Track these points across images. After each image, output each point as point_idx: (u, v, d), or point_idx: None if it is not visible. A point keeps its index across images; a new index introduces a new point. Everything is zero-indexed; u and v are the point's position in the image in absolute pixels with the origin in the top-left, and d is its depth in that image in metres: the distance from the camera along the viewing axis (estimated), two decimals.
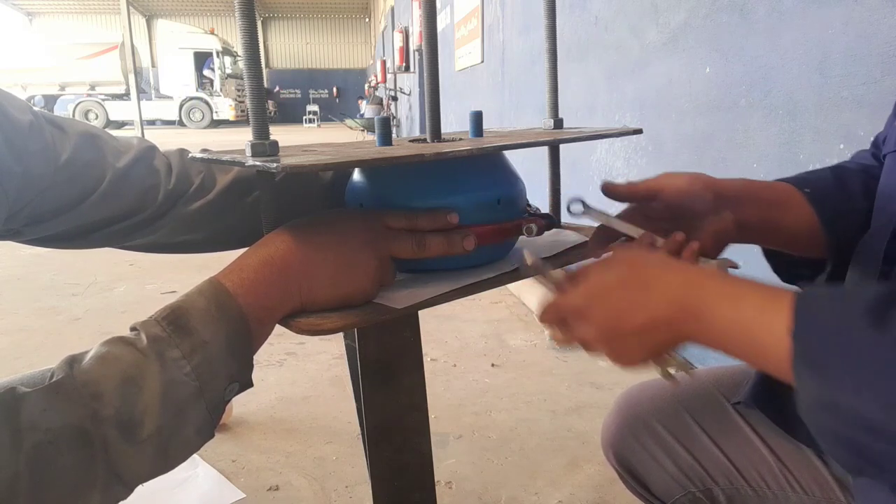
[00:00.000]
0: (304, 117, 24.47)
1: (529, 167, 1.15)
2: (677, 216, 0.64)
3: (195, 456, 1.53)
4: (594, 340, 0.51)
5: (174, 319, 0.47)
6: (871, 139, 0.76)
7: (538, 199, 0.77)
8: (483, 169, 0.66)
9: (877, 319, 0.40)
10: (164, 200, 0.71)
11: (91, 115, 19.13)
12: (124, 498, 0.45)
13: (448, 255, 0.61)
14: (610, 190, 0.66)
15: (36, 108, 0.66)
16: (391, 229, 0.59)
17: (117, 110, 19.57)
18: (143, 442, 0.44)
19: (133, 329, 0.48)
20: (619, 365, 0.52)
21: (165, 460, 0.47)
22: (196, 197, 0.73)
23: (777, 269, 0.74)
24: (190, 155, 0.62)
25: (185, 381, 0.46)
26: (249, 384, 0.52)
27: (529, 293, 2.56)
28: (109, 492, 0.43)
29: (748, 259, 0.76)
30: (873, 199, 0.65)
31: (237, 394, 0.51)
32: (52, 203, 0.64)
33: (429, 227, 0.60)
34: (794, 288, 0.45)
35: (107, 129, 0.75)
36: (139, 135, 0.79)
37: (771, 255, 0.74)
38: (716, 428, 0.75)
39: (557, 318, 0.53)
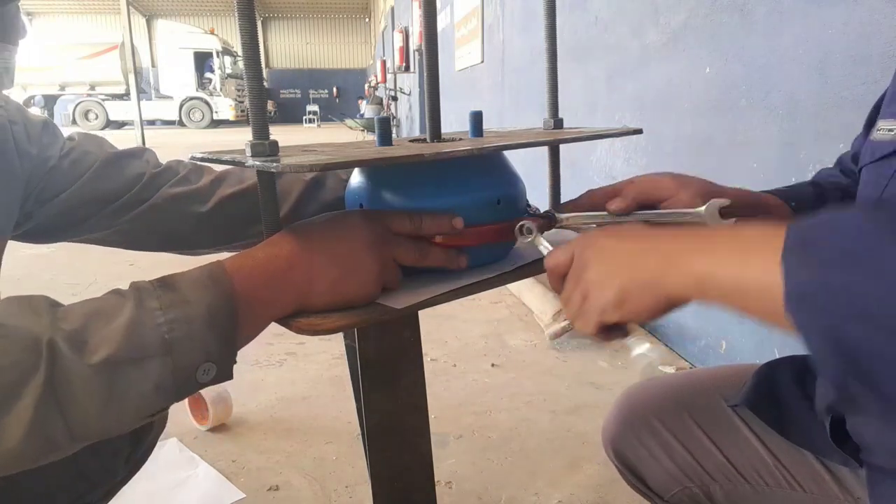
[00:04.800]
0: (304, 117, 24.47)
1: (529, 167, 1.15)
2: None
3: (195, 456, 1.54)
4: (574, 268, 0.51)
5: (165, 279, 0.49)
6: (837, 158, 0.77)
7: (538, 199, 0.77)
8: (483, 169, 0.66)
9: (873, 209, 0.37)
10: (148, 183, 0.80)
11: (91, 115, 19.13)
12: (62, 443, 0.43)
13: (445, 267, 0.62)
14: (613, 210, 0.65)
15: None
16: (395, 234, 0.59)
17: (117, 110, 19.55)
18: (93, 367, 0.43)
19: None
20: (582, 306, 0.50)
21: (116, 408, 0.44)
22: (180, 184, 0.81)
23: None
24: (190, 155, 0.62)
25: (156, 330, 0.46)
26: (229, 375, 0.50)
27: (529, 293, 2.56)
28: (45, 415, 0.42)
29: None
30: None
31: (214, 381, 0.49)
32: (55, 183, 0.76)
33: (433, 231, 0.60)
34: None
35: (106, 129, 0.82)
36: (139, 134, 0.89)
37: None
38: (714, 427, 0.75)
39: (563, 266, 0.54)
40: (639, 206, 0.65)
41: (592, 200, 0.67)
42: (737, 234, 0.43)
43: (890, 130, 0.61)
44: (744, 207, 0.66)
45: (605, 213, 0.66)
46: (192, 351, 0.47)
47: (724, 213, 0.60)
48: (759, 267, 0.39)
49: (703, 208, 0.61)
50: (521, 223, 0.62)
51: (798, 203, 0.69)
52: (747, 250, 0.41)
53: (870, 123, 0.69)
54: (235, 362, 0.51)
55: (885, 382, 0.35)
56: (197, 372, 0.48)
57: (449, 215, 0.60)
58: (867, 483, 0.61)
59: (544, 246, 0.62)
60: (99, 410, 0.44)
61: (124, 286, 0.49)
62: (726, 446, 0.74)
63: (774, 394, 0.71)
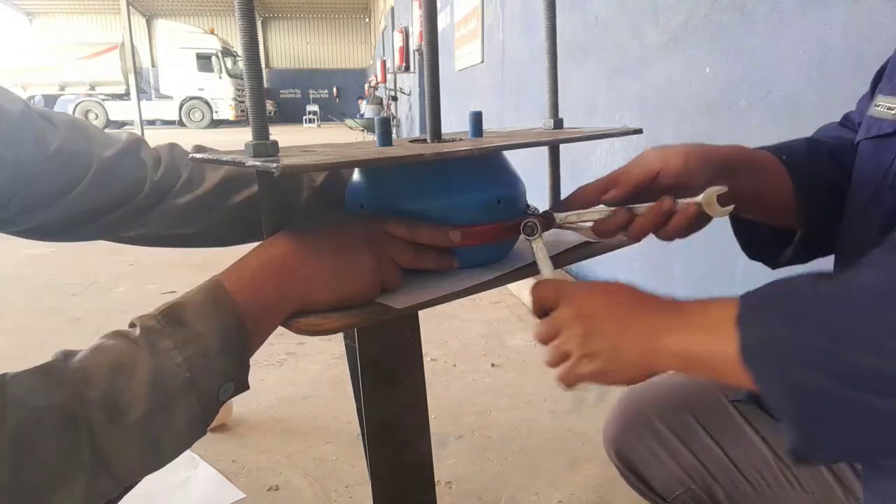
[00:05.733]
0: (304, 117, 24.46)
1: (529, 167, 1.15)
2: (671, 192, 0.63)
3: (195, 456, 1.54)
4: (567, 326, 0.54)
5: (170, 313, 0.48)
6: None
7: (538, 199, 0.77)
8: (483, 169, 0.66)
9: (817, 276, 0.42)
10: (150, 192, 0.72)
11: (91, 115, 19.11)
12: (113, 494, 0.45)
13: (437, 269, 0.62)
14: (610, 200, 0.64)
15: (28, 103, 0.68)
16: (391, 236, 0.59)
17: (117, 110, 19.56)
18: (130, 428, 0.44)
19: (132, 324, 0.48)
20: (574, 364, 0.54)
21: (155, 452, 0.46)
22: (184, 191, 0.74)
23: (745, 244, 0.74)
24: (191, 156, 0.62)
25: (176, 371, 0.46)
26: (245, 386, 0.52)
27: (529, 293, 2.56)
28: (95, 480, 0.43)
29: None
30: (841, 169, 0.66)
31: (233, 395, 0.51)
32: (42, 191, 0.67)
33: (428, 241, 0.60)
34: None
35: (106, 129, 0.76)
36: (139, 135, 0.80)
37: (739, 231, 0.74)
38: (717, 427, 0.75)
39: (548, 301, 0.57)
40: (634, 192, 0.64)
41: (585, 197, 0.67)
42: (704, 310, 0.48)
43: (889, 109, 0.60)
44: (735, 166, 0.65)
45: (599, 208, 0.65)
46: (212, 379, 0.48)
47: (722, 199, 0.59)
48: (722, 339, 0.44)
49: (700, 197, 0.59)
50: (526, 221, 0.62)
51: (789, 156, 0.68)
52: (710, 326, 0.46)
53: (875, 85, 0.68)
54: (248, 370, 0.52)
55: (839, 423, 0.39)
56: (218, 393, 0.49)
57: (446, 228, 0.61)
58: (862, 475, 0.61)
59: (541, 250, 0.62)
60: (140, 459, 0.45)
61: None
62: (729, 445, 0.74)
63: None
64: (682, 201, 0.61)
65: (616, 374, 0.52)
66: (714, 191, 0.59)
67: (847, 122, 0.76)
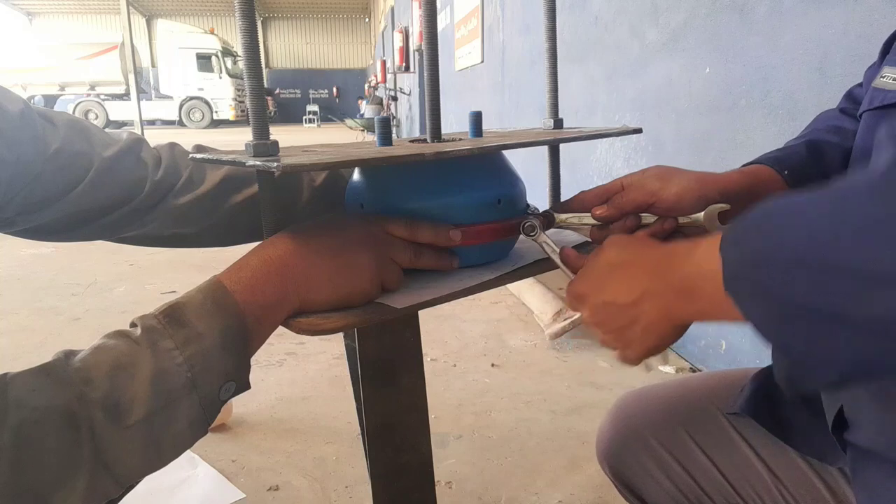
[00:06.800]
0: (304, 117, 24.47)
1: (529, 167, 1.15)
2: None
3: (195, 456, 1.54)
4: (595, 323, 0.53)
5: (171, 313, 0.48)
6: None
7: (538, 199, 0.77)
8: (483, 169, 0.66)
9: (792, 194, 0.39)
10: (151, 192, 0.72)
11: (91, 115, 19.12)
12: (114, 494, 0.45)
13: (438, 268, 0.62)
14: (598, 217, 0.64)
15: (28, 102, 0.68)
16: (392, 236, 0.59)
17: (117, 110, 19.57)
18: (131, 428, 0.44)
19: (133, 324, 0.48)
20: (622, 352, 0.54)
21: (156, 452, 0.46)
22: (185, 191, 0.74)
23: None
24: (191, 156, 0.62)
25: (177, 372, 0.46)
26: (246, 386, 0.52)
27: (529, 293, 2.56)
28: (96, 481, 0.43)
29: None
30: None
31: (234, 395, 0.51)
32: (42, 191, 0.66)
33: (428, 240, 0.60)
34: None
35: (106, 129, 0.76)
36: (139, 134, 0.80)
37: None
38: (711, 443, 0.74)
39: (573, 307, 0.57)
40: (625, 213, 0.64)
41: (584, 203, 0.67)
42: (690, 257, 0.46)
43: (895, 80, 0.59)
44: (738, 194, 0.64)
45: None
46: (213, 379, 0.48)
47: (723, 215, 0.60)
48: (715, 276, 0.41)
49: (701, 214, 0.60)
50: (525, 221, 0.62)
51: (791, 170, 0.67)
52: (695, 286, 0.45)
53: (884, 53, 0.66)
54: (250, 369, 0.52)
55: (829, 342, 0.35)
56: (219, 393, 0.49)
57: (447, 227, 0.61)
58: (851, 471, 0.59)
59: (548, 244, 0.62)
60: (142, 460, 0.45)
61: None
62: (723, 464, 0.72)
63: (773, 399, 0.69)
64: (684, 219, 0.62)
65: (657, 347, 0.52)
66: (715, 209, 0.60)
67: (850, 103, 0.74)
